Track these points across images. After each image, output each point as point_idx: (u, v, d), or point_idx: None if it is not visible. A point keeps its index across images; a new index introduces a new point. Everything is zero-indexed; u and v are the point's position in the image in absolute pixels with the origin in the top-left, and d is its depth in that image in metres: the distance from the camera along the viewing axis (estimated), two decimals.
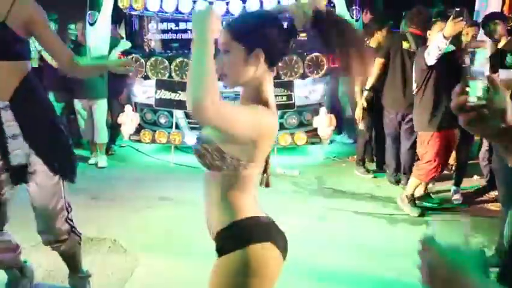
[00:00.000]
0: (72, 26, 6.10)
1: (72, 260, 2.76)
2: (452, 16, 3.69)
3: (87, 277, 2.86)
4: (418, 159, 4.49)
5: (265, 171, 1.75)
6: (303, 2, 1.54)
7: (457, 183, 4.69)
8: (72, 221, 2.62)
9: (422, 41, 4.51)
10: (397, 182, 5.10)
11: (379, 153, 5.60)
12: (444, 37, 3.74)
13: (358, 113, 5.23)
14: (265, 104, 1.57)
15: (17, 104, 2.28)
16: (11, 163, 2.30)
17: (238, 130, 1.44)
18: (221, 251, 1.60)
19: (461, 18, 3.66)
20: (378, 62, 4.93)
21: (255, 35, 1.50)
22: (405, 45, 4.85)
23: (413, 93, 4.31)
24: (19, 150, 2.31)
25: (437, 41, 3.81)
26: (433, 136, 4.13)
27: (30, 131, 2.33)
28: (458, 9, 3.71)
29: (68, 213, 2.57)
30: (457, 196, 4.63)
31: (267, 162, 1.73)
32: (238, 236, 1.57)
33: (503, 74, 2.86)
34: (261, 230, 1.60)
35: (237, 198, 1.60)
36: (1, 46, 2.22)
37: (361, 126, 5.37)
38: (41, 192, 2.42)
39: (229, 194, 1.60)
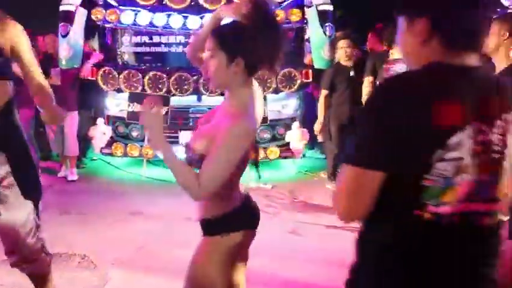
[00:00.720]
0: (41, 38, 6.00)
1: (41, 281, 2.69)
2: None
3: None
4: None
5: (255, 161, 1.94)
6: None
7: None
8: (43, 240, 2.56)
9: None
10: None
11: None
12: None
13: (317, 127, 5.35)
14: (244, 107, 1.68)
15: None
16: None
17: (232, 168, 1.64)
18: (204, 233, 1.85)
19: None
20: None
21: (236, 44, 1.64)
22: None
23: None
24: None
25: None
26: None
27: (9, 154, 2.31)
28: None
29: (38, 231, 2.51)
30: None
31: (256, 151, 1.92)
32: (216, 226, 1.81)
33: None
34: (234, 221, 1.82)
35: (223, 195, 1.76)
36: None
37: (320, 138, 5.49)
38: (10, 211, 2.36)
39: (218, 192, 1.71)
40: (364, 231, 1.33)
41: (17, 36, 2.31)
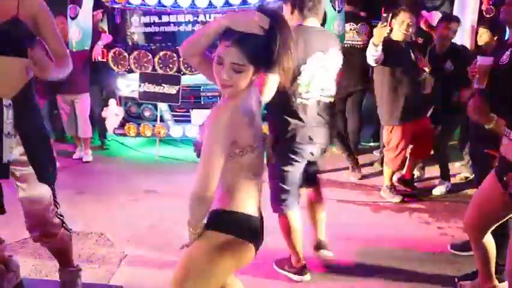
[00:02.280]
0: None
1: (63, 255, 2.77)
2: (380, 23, 3.79)
3: (78, 271, 2.86)
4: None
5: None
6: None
7: (443, 176, 4.69)
8: (62, 216, 2.63)
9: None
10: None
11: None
12: (374, 44, 3.83)
13: None
14: (239, 101, 1.73)
15: (18, 105, 2.31)
16: (2, 159, 2.31)
17: (217, 159, 1.68)
18: (207, 225, 1.84)
19: (385, 24, 3.74)
20: None
21: (265, 59, 1.67)
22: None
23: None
24: (10, 149, 2.32)
25: (370, 49, 3.91)
26: (394, 128, 4.23)
27: (25, 134, 2.35)
28: (385, 14, 3.77)
29: (57, 208, 2.58)
30: (441, 188, 4.62)
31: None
32: (221, 222, 1.83)
33: (480, 60, 2.94)
34: (251, 231, 1.86)
35: (233, 188, 1.80)
36: (15, 42, 2.21)
37: None
38: (30, 189, 2.42)
39: (227, 184, 1.78)
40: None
41: (39, 11, 2.30)
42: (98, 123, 6.22)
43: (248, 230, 1.85)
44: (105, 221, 4.06)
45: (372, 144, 6.23)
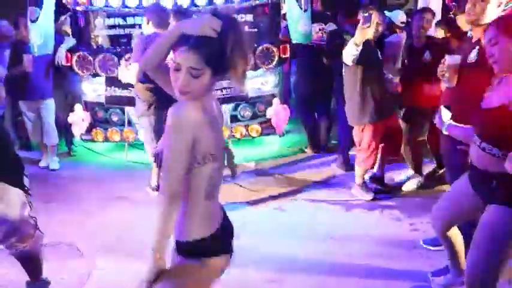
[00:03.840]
0: (4, 23, 5.78)
1: (34, 263, 2.69)
2: (360, 22, 3.82)
3: (47, 284, 2.79)
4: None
5: (229, 161, 1.96)
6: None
7: (415, 170, 4.75)
8: (35, 217, 2.57)
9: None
10: (350, 169, 5.21)
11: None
12: (356, 44, 3.87)
13: None
14: (199, 103, 1.72)
15: None
16: None
17: (179, 159, 1.67)
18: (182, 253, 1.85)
19: (368, 24, 3.78)
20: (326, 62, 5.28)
21: (221, 61, 1.67)
22: (348, 38, 4.98)
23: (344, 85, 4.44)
24: None
25: (350, 47, 3.93)
26: (365, 127, 4.27)
27: None
28: (365, 14, 3.82)
29: (31, 208, 2.52)
30: (412, 183, 4.69)
31: (227, 154, 1.92)
32: (201, 251, 1.83)
33: (449, 60, 2.97)
34: (220, 245, 1.86)
35: (204, 207, 1.79)
36: None
37: None
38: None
39: (187, 203, 1.77)
40: None
41: None
42: (64, 129, 6.06)
43: (216, 248, 1.85)
44: (74, 231, 3.95)
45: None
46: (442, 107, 2.65)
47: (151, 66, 1.83)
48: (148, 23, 4.34)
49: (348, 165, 5.25)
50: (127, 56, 5.36)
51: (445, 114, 2.60)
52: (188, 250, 1.82)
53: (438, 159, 4.79)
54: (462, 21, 4.36)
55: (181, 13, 4.55)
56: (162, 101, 4.20)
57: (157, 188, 4.48)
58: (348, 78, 4.29)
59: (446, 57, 2.92)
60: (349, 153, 5.32)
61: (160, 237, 1.73)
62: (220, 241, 1.86)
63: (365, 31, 3.82)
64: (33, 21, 5.22)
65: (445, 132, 2.62)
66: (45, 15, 5.28)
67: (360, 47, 3.87)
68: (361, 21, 3.85)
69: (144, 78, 4.17)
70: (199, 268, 1.81)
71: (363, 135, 4.30)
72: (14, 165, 2.45)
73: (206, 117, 1.71)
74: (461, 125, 2.54)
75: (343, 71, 4.38)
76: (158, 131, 4.33)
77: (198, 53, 1.64)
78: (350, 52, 3.95)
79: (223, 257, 1.86)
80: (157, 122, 4.40)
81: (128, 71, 4.50)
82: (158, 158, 1.85)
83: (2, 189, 2.36)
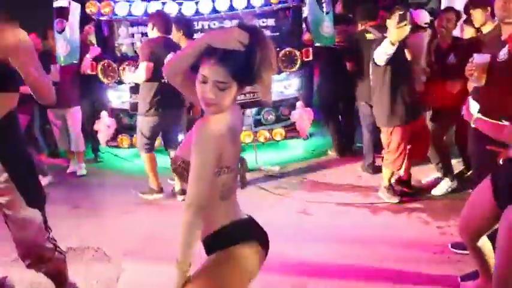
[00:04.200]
0: (32, 36, 5.96)
1: (58, 278, 2.72)
2: (396, 20, 3.74)
3: None
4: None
5: (241, 174, 1.91)
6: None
7: (445, 173, 4.63)
8: (55, 240, 2.58)
9: (384, 28, 4.60)
10: (375, 172, 5.15)
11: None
12: (391, 43, 3.80)
13: None
14: (224, 117, 1.73)
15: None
16: None
17: (207, 169, 1.67)
18: (209, 251, 1.85)
19: (405, 22, 3.70)
20: (348, 66, 5.27)
21: (248, 75, 1.67)
22: (369, 36, 4.97)
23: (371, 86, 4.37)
24: None
25: (385, 47, 3.86)
26: (394, 129, 4.20)
27: (9, 160, 2.31)
28: (401, 12, 3.74)
29: (49, 233, 2.53)
30: (442, 186, 4.57)
31: (241, 165, 1.89)
32: (224, 240, 1.82)
33: (477, 58, 2.90)
34: (242, 232, 1.85)
35: (219, 205, 1.80)
36: None
37: None
38: (16, 215, 2.38)
39: (211, 204, 1.76)
40: None
41: (15, 43, 2.23)
42: (90, 136, 6.17)
43: (237, 235, 1.83)
44: (101, 235, 4.00)
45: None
46: (469, 98, 2.57)
47: (174, 74, 1.82)
48: (153, 29, 4.59)
49: (374, 167, 5.19)
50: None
51: (473, 107, 2.53)
52: (212, 243, 1.82)
53: (466, 161, 4.69)
54: (477, 16, 4.29)
55: (181, 22, 4.73)
56: (165, 101, 4.53)
57: (182, 192, 4.54)
58: (377, 79, 4.23)
59: (475, 56, 2.85)
60: (375, 155, 5.28)
61: (186, 248, 1.72)
62: (242, 229, 1.85)
63: (402, 29, 3.73)
64: (59, 32, 5.34)
65: (472, 125, 2.54)
66: (71, 26, 5.40)
67: (396, 46, 3.81)
68: (396, 19, 3.78)
69: (151, 78, 4.45)
70: (228, 258, 1.79)
71: (391, 137, 4.24)
72: (35, 191, 2.48)
73: (230, 132, 1.72)
74: (490, 120, 2.46)
75: (370, 72, 4.33)
76: (155, 131, 4.69)
77: (225, 66, 1.63)
78: (384, 51, 3.88)
79: (249, 247, 1.82)
80: (156, 121, 4.62)
81: (133, 73, 4.67)
82: (174, 163, 1.82)
83: (19, 210, 2.38)
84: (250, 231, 1.88)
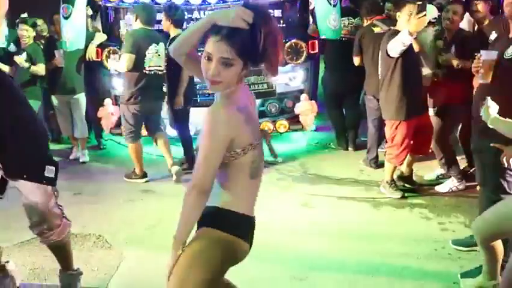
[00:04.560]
0: (40, 21, 5.95)
1: (64, 252, 2.74)
2: (415, 11, 3.71)
3: (78, 275, 2.83)
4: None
5: (268, 146, 1.96)
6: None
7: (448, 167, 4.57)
8: (61, 206, 2.61)
9: (391, 22, 4.56)
10: (378, 166, 5.15)
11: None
12: (409, 33, 3.76)
13: None
14: (234, 100, 1.74)
15: None
16: None
17: (215, 153, 1.69)
18: (200, 222, 1.84)
19: (424, 13, 3.67)
20: (355, 60, 5.25)
21: (254, 52, 1.67)
22: (376, 29, 4.95)
23: (380, 78, 4.34)
24: None
25: (403, 37, 3.82)
26: (400, 124, 4.19)
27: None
28: (420, 2, 3.71)
29: (56, 198, 2.56)
30: (447, 185, 4.52)
31: (265, 137, 1.92)
32: (215, 219, 1.82)
33: (484, 55, 2.87)
34: (246, 229, 1.88)
35: (248, 185, 1.82)
36: None
37: None
38: (24, 183, 2.40)
39: (223, 184, 1.80)
40: None
41: None
42: (93, 123, 6.17)
43: (241, 228, 1.86)
44: (102, 222, 4.01)
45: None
46: (488, 99, 2.54)
47: (180, 53, 1.85)
48: (136, 20, 4.78)
49: (377, 162, 5.19)
50: (110, 49, 5.72)
51: (493, 107, 2.49)
52: (215, 217, 1.82)
53: (469, 158, 4.68)
54: (479, 8, 4.27)
55: (171, 11, 4.85)
56: (146, 91, 4.74)
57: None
58: (386, 72, 4.19)
59: (482, 52, 2.83)
60: (378, 150, 5.27)
61: (184, 228, 1.76)
62: (246, 226, 1.87)
63: (421, 20, 3.69)
64: (66, 18, 5.32)
65: (490, 126, 2.52)
66: (78, 12, 5.38)
67: (413, 37, 3.76)
68: (414, 10, 3.75)
69: (133, 68, 4.62)
70: (219, 237, 1.79)
71: (396, 131, 4.22)
72: (35, 159, 2.47)
73: (241, 115, 1.72)
74: (509, 120, 2.43)
75: (380, 65, 4.29)
76: (137, 119, 4.87)
77: (229, 43, 1.64)
78: (401, 42, 3.82)
79: (243, 243, 1.84)
80: (138, 110, 4.82)
81: (117, 61, 4.84)
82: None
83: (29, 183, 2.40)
84: (250, 233, 1.90)
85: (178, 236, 1.76)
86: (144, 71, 4.71)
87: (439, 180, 4.69)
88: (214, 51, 1.66)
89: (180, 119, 5.19)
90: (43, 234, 2.55)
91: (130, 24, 6.01)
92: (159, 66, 4.84)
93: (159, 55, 4.80)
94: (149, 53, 4.74)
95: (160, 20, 5.49)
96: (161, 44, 4.84)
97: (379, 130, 5.13)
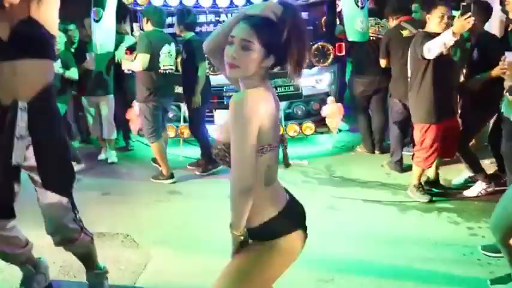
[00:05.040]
0: (72, 26, 6.09)
1: (85, 259, 2.79)
2: (460, 12, 3.64)
3: (104, 273, 2.88)
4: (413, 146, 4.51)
5: (283, 152, 1.93)
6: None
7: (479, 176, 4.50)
8: (81, 221, 2.63)
9: (419, 23, 4.49)
10: (403, 170, 5.09)
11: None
12: (454, 34, 3.66)
13: None
14: (259, 92, 1.71)
15: (33, 109, 2.29)
16: (11, 162, 2.30)
17: (250, 141, 1.64)
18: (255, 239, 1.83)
19: (469, 14, 3.59)
20: (382, 63, 5.21)
21: (275, 42, 1.67)
22: (405, 33, 4.89)
23: (409, 81, 4.28)
24: (20, 152, 2.32)
25: (445, 38, 3.72)
26: (430, 127, 4.12)
27: (36, 138, 2.34)
28: (464, 3, 3.63)
29: (75, 214, 2.58)
30: (476, 189, 4.43)
31: (282, 142, 1.89)
32: (272, 232, 1.80)
33: (510, 57, 2.81)
34: (289, 222, 1.84)
35: (265, 193, 1.78)
36: (28, 42, 2.20)
37: None
38: (46, 195, 2.44)
39: (257, 192, 1.73)
40: None
41: (50, 8, 2.28)
42: (122, 124, 6.27)
43: (280, 227, 1.82)
44: (130, 222, 4.08)
45: None
46: (507, 94, 2.50)
47: (212, 49, 1.87)
48: (147, 23, 4.99)
49: (401, 165, 5.13)
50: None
51: None
52: (260, 235, 1.81)
53: (499, 161, 4.59)
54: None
55: (183, 15, 5.01)
56: (162, 89, 4.96)
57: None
58: (417, 74, 4.13)
59: (506, 54, 2.78)
60: (405, 153, 5.21)
61: (239, 222, 1.73)
62: (288, 218, 1.83)
63: (466, 21, 3.59)
64: (96, 21, 5.43)
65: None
66: (108, 15, 5.49)
67: (456, 38, 3.69)
68: (460, 11, 3.70)
69: (149, 68, 4.81)
70: (270, 250, 1.78)
71: (426, 134, 4.16)
72: (64, 175, 2.51)
73: (267, 106, 1.70)
74: None
75: (409, 67, 4.24)
76: (157, 116, 5.01)
77: (253, 26, 1.66)
78: (443, 43, 3.74)
79: (295, 234, 1.83)
80: (157, 107, 4.98)
81: (132, 62, 5.00)
82: (221, 150, 1.79)
83: (46, 194, 2.44)
84: (295, 219, 1.88)
85: (235, 227, 1.74)
86: (160, 71, 4.93)
87: (467, 184, 4.60)
88: (237, 33, 1.68)
89: (197, 119, 5.27)
90: (61, 245, 2.60)
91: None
92: (171, 65, 5.09)
93: (171, 55, 5.02)
94: (163, 53, 4.95)
95: (172, 24, 5.63)
96: (172, 44, 5.07)
97: (403, 133, 5.08)
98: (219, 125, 1.89)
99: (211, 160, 5.06)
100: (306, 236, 1.90)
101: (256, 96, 1.67)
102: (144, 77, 4.93)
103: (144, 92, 4.94)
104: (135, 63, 4.91)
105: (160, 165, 5.16)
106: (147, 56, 4.81)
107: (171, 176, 5.12)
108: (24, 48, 2.18)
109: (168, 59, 5.00)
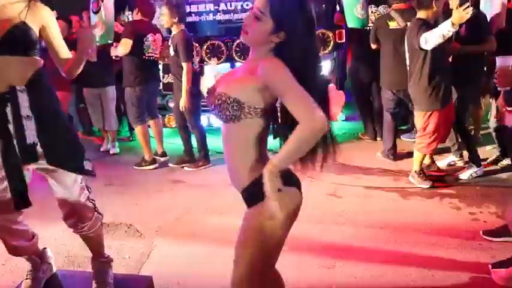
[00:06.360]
0: (75, 19, 6.09)
1: (95, 243, 2.81)
2: (458, 3, 3.62)
3: (109, 261, 2.91)
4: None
5: None
6: None
7: (471, 160, 4.56)
8: (94, 200, 2.68)
9: (410, 14, 4.46)
10: (396, 158, 5.11)
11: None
12: (453, 25, 3.64)
13: None
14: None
15: (31, 89, 2.35)
16: (26, 141, 2.34)
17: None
18: (250, 202, 1.82)
19: (467, 4, 3.57)
20: (372, 46, 5.18)
21: (289, 20, 1.68)
22: (392, 24, 4.86)
23: (408, 70, 4.27)
24: (31, 131, 2.36)
25: (444, 30, 3.70)
26: (433, 113, 4.13)
27: (39, 116, 2.38)
28: None
29: (89, 192, 2.63)
30: (468, 172, 4.48)
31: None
32: (258, 193, 1.68)
33: (500, 61, 2.79)
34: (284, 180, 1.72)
35: (257, 150, 1.79)
36: (22, 44, 2.32)
37: None
38: (59, 176, 2.47)
39: (250, 146, 1.78)
40: None
41: (46, 18, 2.42)
42: (124, 115, 6.27)
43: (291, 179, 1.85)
44: (133, 212, 4.11)
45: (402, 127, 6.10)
46: None
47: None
48: (137, 13, 5.20)
49: (395, 153, 5.14)
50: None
51: None
52: (252, 193, 1.78)
53: (503, 147, 4.59)
54: None
55: (174, 8, 4.96)
56: (147, 74, 5.12)
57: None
58: (416, 63, 4.12)
59: (497, 59, 2.75)
60: (407, 139, 5.22)
61: (288, 160, 1.68)
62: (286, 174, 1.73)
63: (465, 12, 3.58)
64: (95, 13, 5.41)
65: None
66: (106, 7, 5.46)
67: (455, 30, 3.68)
68: (458, 1, 3.66)
69: (134, 53, 4.97)
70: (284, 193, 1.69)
71: (429, 120, 4.17)
72: (74, 151, 2.54)
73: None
74: None
75: (408, 57, 4.23)
76: (142, 100, 5.18)
77: (271, 1, 1.69)
78: (441, 34, 3.72)
79: (288, 188, 1.76)
80: (142, 91, 5.15)
81: (118, 47, 5.12)
82: (224, 102, 1.76)
83: (62, 174, 2.46)
84: (289, 177, 1.81)
85: (278, 165, 1.64)
86: (144, 57, 5.07)
87: (450, 167, 4.73)
88: (256, 3, 1.74)
89: (192, 111, 5.23)
90: (75, 227, 2.63)
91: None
92: (156, 54, 5.22)
93: (156, 44, 5.17)
94: (147, 41, 5.08)
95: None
96: (158, 35, 5.20)
97: (395, 120, 5.10)
98: (216, 74, 1.84)
99: (206, 156, 5.20)
100: (301, 197, 1.91)
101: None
102: (128, 62, 5.11)
103: (129, 76, 5.12)
104: (118, 48, 5.07)
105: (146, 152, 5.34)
106: (130, 42, 4.97)
107: (153, 161, 5.29)
108: (12, 49, 2.30)
109: (153, 47, 5.16)
